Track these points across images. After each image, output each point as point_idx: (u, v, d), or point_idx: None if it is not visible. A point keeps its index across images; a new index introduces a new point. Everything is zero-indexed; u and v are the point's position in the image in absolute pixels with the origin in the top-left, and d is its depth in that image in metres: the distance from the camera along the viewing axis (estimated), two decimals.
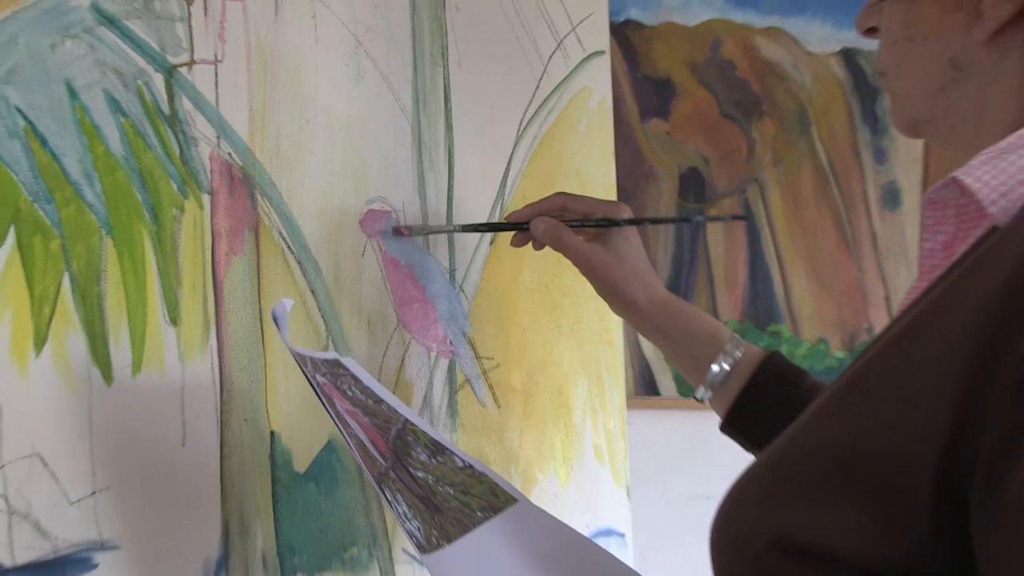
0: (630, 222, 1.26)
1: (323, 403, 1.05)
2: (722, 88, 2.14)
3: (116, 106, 1.00)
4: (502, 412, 1.41)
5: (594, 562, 0.99)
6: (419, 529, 1.02)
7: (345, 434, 1.05)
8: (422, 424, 0.98)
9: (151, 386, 1.02)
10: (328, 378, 1.01)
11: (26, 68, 0.94)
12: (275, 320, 1.04)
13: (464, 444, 1.37)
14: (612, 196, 1.61)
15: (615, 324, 1.61)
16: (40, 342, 0.94)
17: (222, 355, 1.09)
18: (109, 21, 1.01)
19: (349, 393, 1.01)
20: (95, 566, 0.96)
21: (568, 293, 1.52)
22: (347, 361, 0.97)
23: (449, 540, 1.00)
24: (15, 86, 0.93)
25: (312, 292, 1.19)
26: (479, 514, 0.99)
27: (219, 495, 1.08)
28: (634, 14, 2.06)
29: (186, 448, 1.05)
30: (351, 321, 1.23)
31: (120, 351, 1.00)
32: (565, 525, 0.98)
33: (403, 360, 1.29)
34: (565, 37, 1.52)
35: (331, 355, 0.97)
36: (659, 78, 2.11)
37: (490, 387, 1.40)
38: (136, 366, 1.01)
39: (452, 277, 1.36)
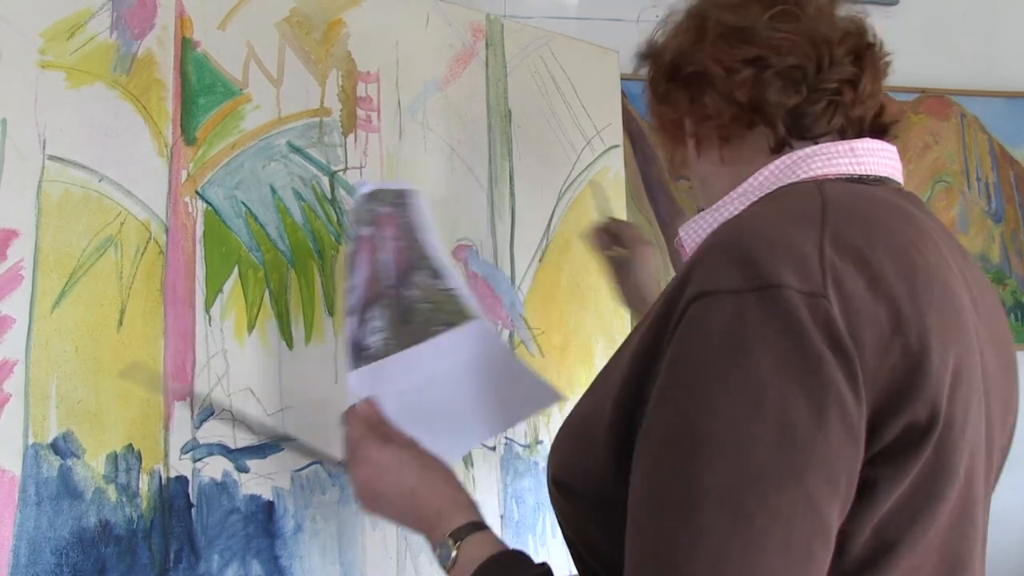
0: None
1: (355, 239, 0.95)
2: None
3: (299, 196, 1.05)
4: (545, 359, 1.38)
5: (513, 372, 0.87)
6: (383, 339, 0.91)
7: (360, 267, 0.94)
8: (437, 256, 0.89)
9: (316, 350, 1.07)
10: (392, 208, 0.92)
11: (248, 179, 1.01)
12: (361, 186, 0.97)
13: None
14: None
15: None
16: (251, 327, 1.01)
17: None
18: (297, 150, 1.06)
19: (401, 219, 0.90)
20: (281, 449, 1.02)
21: (593, 287, 1.47)
22: (417, 193, 0.85)
23: (403, 347, 0.90)
24: (241, 190, 1.00)
25: None
26: (436, 328, 0.90)
27: None
28: None
29: (336, 384, 1.08)
30: None
31: (298, 330, 1.05)
32: (502, 342, 0.88)
33: None
34: (592, 138, 1.47)
35: (404, 184, 0.87)
36: None
37: (538, 344, 1.38)
38: (307, 338, 1.06)
39: (513, 282, 1.35)
